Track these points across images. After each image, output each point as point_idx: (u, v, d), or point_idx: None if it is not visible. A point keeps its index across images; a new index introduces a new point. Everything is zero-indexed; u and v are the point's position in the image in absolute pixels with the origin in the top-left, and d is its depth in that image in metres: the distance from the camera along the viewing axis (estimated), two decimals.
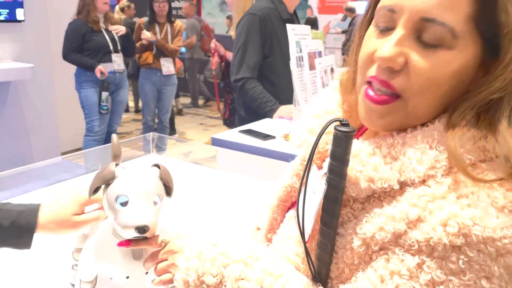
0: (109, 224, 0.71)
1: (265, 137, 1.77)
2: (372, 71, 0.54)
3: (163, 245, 0.66)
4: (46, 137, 3.42)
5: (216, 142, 1.80)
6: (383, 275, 0.49)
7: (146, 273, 0.72)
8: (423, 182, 0.50)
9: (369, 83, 0.54)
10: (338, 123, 0.51)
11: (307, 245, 0.57)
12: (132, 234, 0.63)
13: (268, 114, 2.07)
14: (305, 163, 0.65)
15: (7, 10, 3.04)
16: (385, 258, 0.50)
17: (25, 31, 3.18)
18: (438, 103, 0.52)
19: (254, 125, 1.96)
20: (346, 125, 0.50)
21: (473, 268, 0.45)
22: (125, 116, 3.91)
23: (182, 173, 1.59)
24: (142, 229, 0.62)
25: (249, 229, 0.88)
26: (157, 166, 0.70)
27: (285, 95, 2.09)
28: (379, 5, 0.53)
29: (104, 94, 3.35)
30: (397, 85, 0.51)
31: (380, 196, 0.53)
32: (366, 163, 0.53)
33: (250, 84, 2.08)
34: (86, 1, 3.17)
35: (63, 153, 3.92)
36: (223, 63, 3.35)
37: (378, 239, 0.50)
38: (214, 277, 0.57)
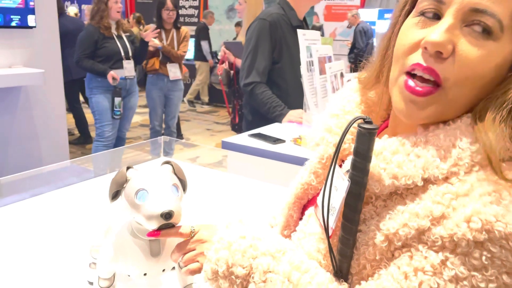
0: (126, 223, 0.72)
1: (275, 141, 1.78)
2: (415, 59, 0.53)
3: (192, 234, 0.66)
4: (55, 141, 3.44)
5: (226, 146, 1.81)
6: (407, 271, 0.50)
7: (163, 270, 0.73)
8: (446, 179, 0.51)
9: (409, 74, 0.54)
10: (361, 120, 0.53)
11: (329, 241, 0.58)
12: (159, 221, 0.63)
13: (278, 118, 2.08)
14: (324, 161, 0.65)
15: (19, 17, 3.08)
16: (408, 256, 0.51)
17: (36, 37, 3.21)
18: (475, 95, 0.52)
19: (264, 129, 1.97)
20: (369, 122, 0.52)
21: (495, 264, 0.46)
22: (132, 121, 3.96)
23: (192, 177, 1.59)
24: (167, 214, 0.62)
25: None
26: (168, 163, 0.72)
27: (293, 100, 2.10)
28: None
29: (117, 100, 3.38)
30: (441, 72, 0.51)
31: (402, 194, 0.54)
32: (390, 161, 0.54)
33: (260, 89, 2.09)
34: (101, 7, 3.22)
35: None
36: (232, 71, 3.36)
37: (402, 235, 0.51)
38: (243, 268, 0.59)
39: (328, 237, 0.57)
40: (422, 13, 0.54)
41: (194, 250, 0.66)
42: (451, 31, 0.50)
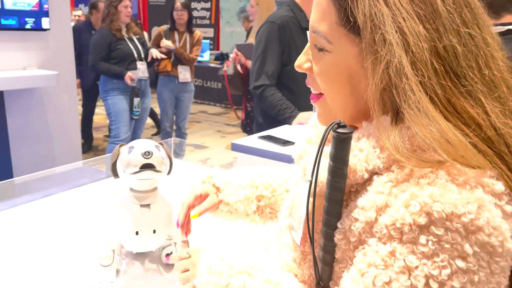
0: (124, 196, 0.85)
1: (285, 143, 1.78)
2: None
3: (187, 255, 0.75)
4: (68, 143, 3.49)
5: (235, 148, 1.82)
6: (361, 268, 0.49)
7: (154, 231, 0.83)
8: (389, 168, 0.51)
9: None
10: (336, 126, 0.52)
11: (300, 249, 0.61)
12: (141, 161, 0.76)
13: (287, 120, 2.08)
14: (307, 171, 0.66)
15: (33, 19, 3.13)
16: (362, 253, 0.50)
17: (50, 39, 3.26)
18: (347, 96, 0.57)
19: (274, 131, 1.97)
20: (343, 126, 0.51)
21: (445, 248, 0.44)
22: None
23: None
24: (147, 152, 0.76)
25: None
26: (161, 144, 0.85)
27: (303, 102, 2.10)
28: None
29: (136, 100, 3.43)
30: (312, 86, 0.62)
31: (357, 190, 0.55)
32: None
33: (269, 91, 2.09)
34: (111, 11, 3.30)
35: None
36: (242, 72, 3.35)
37: (354, 230, 0.52)
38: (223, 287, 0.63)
39: (313, 249, 0.57)
40: None
41: (188, 271, 0.73)
42: (307, 51, 0.61)
